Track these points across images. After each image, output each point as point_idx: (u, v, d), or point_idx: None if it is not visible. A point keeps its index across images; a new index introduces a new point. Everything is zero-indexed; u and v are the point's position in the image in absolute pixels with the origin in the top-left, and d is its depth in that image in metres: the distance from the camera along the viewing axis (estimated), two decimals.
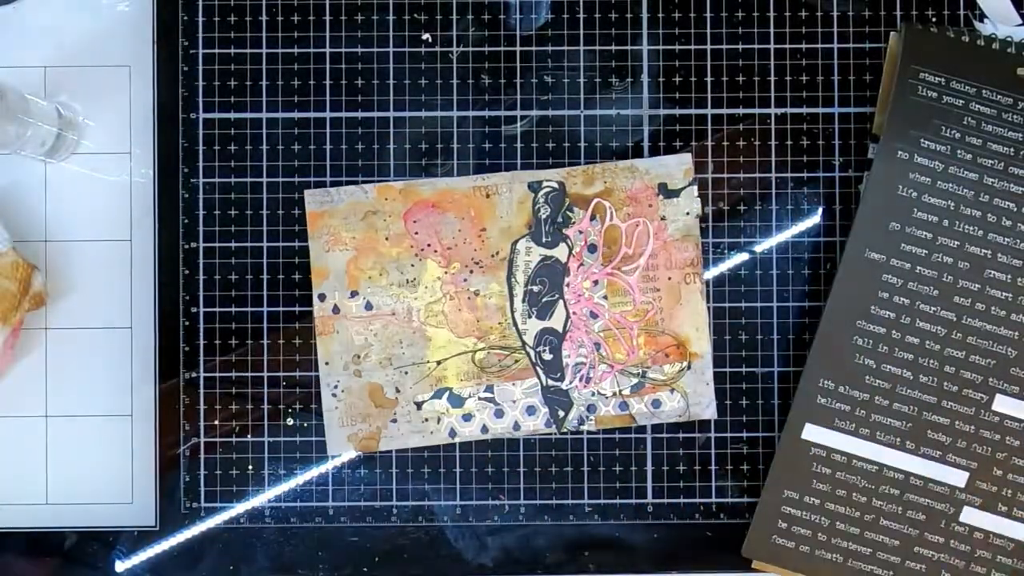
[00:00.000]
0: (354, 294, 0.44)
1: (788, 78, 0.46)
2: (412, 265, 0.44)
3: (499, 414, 0.45)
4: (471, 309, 0.44)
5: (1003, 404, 0.43)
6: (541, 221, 0.44)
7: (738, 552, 0.45)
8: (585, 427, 0.45)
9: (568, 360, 0.45)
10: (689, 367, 0.45)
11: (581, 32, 0.46)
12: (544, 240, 0.45)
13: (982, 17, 0.45)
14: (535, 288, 0.44)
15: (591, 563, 0.45)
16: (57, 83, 0.45)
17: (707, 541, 0.45)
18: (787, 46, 0.46)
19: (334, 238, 0.44)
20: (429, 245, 0.44)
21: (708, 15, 0.46)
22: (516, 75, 0.46)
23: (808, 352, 0.44)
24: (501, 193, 0.44)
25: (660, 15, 0.46)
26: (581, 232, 0.45)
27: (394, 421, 0.44)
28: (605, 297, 0.45)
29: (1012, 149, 0.43)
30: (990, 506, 0.43)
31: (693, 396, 0.45)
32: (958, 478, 0.43)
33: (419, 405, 0.45)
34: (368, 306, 0.44)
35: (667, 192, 0.45)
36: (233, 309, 0.45)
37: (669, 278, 0.44)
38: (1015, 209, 0.43)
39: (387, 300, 0.44)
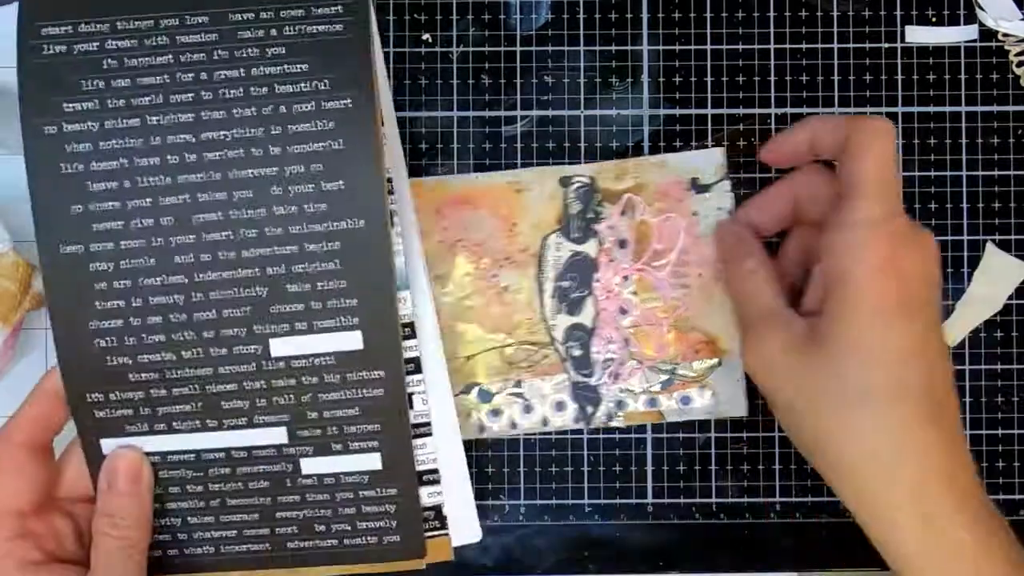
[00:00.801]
0: None
1: (788, 78, 0.46)
2: (442, 261, 0.44)
3: (528, 409, 0.45)
4: (500, 304, 0.44)
5: (279, 347, 0.39)
6: (571, 216, 0.44)
7: (738, 551, 0.45)
8: (614, 423, 0.45)
9: (597, 356, 0.45)
10: (720, 364, 0.45)
11: (581, 32, 0.46)
12: (574, 235, 0.44)
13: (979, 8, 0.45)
14: (565, 284, 0.44)
15: (591, 563, 0.45)
16: None
17: (707, 541, 0.45)
18: (787, 46, 0.46)
19: None
20: (459, 240, 0.44)
21: (708, 15, 0.46)
22: (516, 75, 0.46)
23: None
24: (532, 188, 0.44)
25: (660, 15, 0.46)
26: (611, 228, 0.44)
27: None
28: (635, 293, 0.45)
29: (166, 76, 0.37)
30: (324, 450, 0.40)
31: (723, 393, 0.45)
32: (278, 436, 0.40)
33: None
34: None
35: (699, 187, 0.44)
36: None
37: (700, 274, 0.44)
38: (192, 139, 0.38)
39: None
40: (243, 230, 0.38)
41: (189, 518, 0.41)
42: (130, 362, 0.39)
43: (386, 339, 0.39)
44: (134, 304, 0.38)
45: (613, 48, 0.46)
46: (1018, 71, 0.46)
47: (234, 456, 0.40)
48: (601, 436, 0.45)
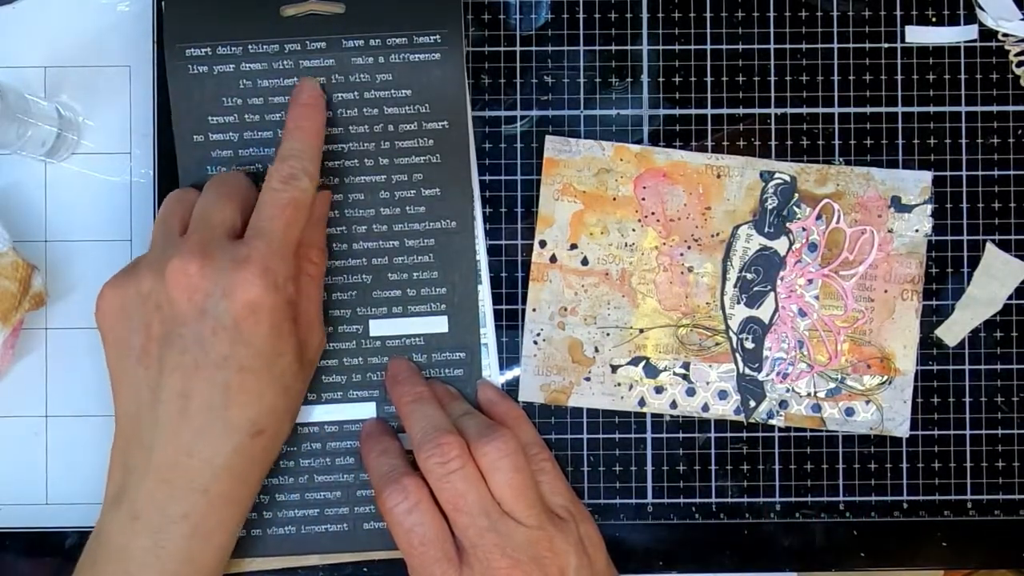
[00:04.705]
0: (573, 247, 0.45)
1: (788, 78, 0.46)
2: (633, 230, 0.45)
3: (691, 392, 0.45)
4: (682, 284, 0.44)
5: (378, 327, 0.44)
6: (767, 211, 0.44)
7: (737, 552, 0.45)
8: (774, 421, 0.45)
9: (769, 353, 0.45)
10: (890, 383, 0.44)
11: (581, 32, 0.46)
12: (766, 230, 0.44)
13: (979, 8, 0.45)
14: (749, 276, 0.44)
15: None
16: (57, 83, 0.45)
17: (707, 541, 0.45)
18: (787, 46, 0.46)
19: (565, 187, 0.45)
20: (653, 214, 0.44)
21: (708, 15, 0.46)
22: (516, 75, 0.46)
23: None
24: (732, 176, 0.44)
25: (660, 15, 0.46)
26: (804, 229, 0.44)
27: (587, 379, 0.45)
28: (816, 298, 0.45)
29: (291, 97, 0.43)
30: None
31: (888, 412, 0.45)
32: (368, 410, 0.44)
33: (615, 368, 0.45)
34: (584, 261, 0.45)
35: (899, 206, 0.44)
36: None
37: (885, 291, 0.44)
38: None
39: (603, 259, 0.44)
40: (354, 226, 0.44)
41: (278, 495, 0.44)
42: None
43: (467, 324, 0.44)
44: None
45: (613, 48, 0.46)
46: (1018, 71, 0.46)
47: (327, 431, 0.44)
48: (601, 436, 0.45)
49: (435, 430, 0.40)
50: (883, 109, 0.45)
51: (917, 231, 0.45)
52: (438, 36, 0.43)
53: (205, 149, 0.44)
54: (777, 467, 0.45)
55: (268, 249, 0.38)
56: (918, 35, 0.45)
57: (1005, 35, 0.45)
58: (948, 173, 0.45)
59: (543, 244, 0.45)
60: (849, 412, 0.45)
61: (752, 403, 0.45)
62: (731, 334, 0.45)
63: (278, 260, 0.38)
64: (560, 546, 0.40)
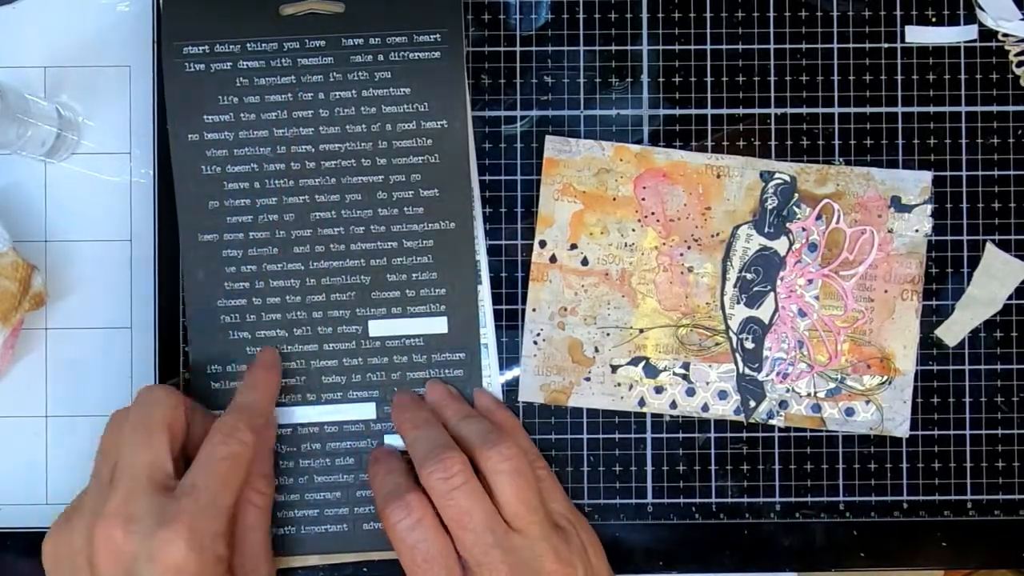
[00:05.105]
0: (573, 247, 0.45)
1: (788, 78, 0.46)
2: (633, 230, 0.45)
3: (690, 392, 0.45)
4: (682, 284, 0.44)
5: (377, 328, 0.44)
6: (767, 211, 0.44)
7: (737, 552, 0.45)
8: (774, 422, 0.45)
9: (769, 353, 0.45)
10: (890, 383, 0.44)
11: (581, 32, 0.46)
12: (766, 230, 0.44)
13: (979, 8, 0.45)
14: (748, 276, 0.44)
15: None
16: (57, 83, 0.45)
17: (707, 541, 0.45)
18: (787, 46, 0.46)
19: (565, 187, 0.45)
20: (653, 214, 0.44)
21: (708, 15, 0.46)
22: (516, 75, 0.46)
23: None
24: (732, 176, 0.44)
25: (660, 15, 0.46)
26: (804, 229, 0.44)
27: (587, 379, 0.45)
28: (816, 298, 0.45)
29: (290, 95, 0.43)
30: None
31: (888, 412, 0.45)
32: (367, 411, 0.44)
33: (614, 368, 0.45)
34: (584, 261, 0.45)
35: (899, 206, 0.44)
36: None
37: (885, 291, 0.44)
38: (312, 150, 0.44)
39: (603, 259, 0.44)
40: (352, 227, 0.44)
41: (278, 495, 0.44)
42: (249, 337, 0.44)
43: (467, 324, 0.44)
44: (257, 286, 0.44)
45: (613, 48, 0.46)
46: (1018, 71, 0.46)
47: (326, 431, 0.44)
48: (601, 436, 0.45)
49: (437, 447, 0.40)
50: (883, 109, 0.45)
51: (917, 231, 0.45)
52: (438, 35, 0.43)
53: (200, 148, 0.44)
54: (777, 467, 0.45)
55: (196, 507, 0.37)
56: (918, 35, 0.46)
57: (1005, 35, 0.45)
58: (948, 173, 0.45)
59: (543, 244, 0.45)
60: (849, 412, 0.45)
61: (752, 403, 0.45)
62: (731, 334, 0.45)
63: (207, 519, 0.37)
64: (565, 557, 0.40)
